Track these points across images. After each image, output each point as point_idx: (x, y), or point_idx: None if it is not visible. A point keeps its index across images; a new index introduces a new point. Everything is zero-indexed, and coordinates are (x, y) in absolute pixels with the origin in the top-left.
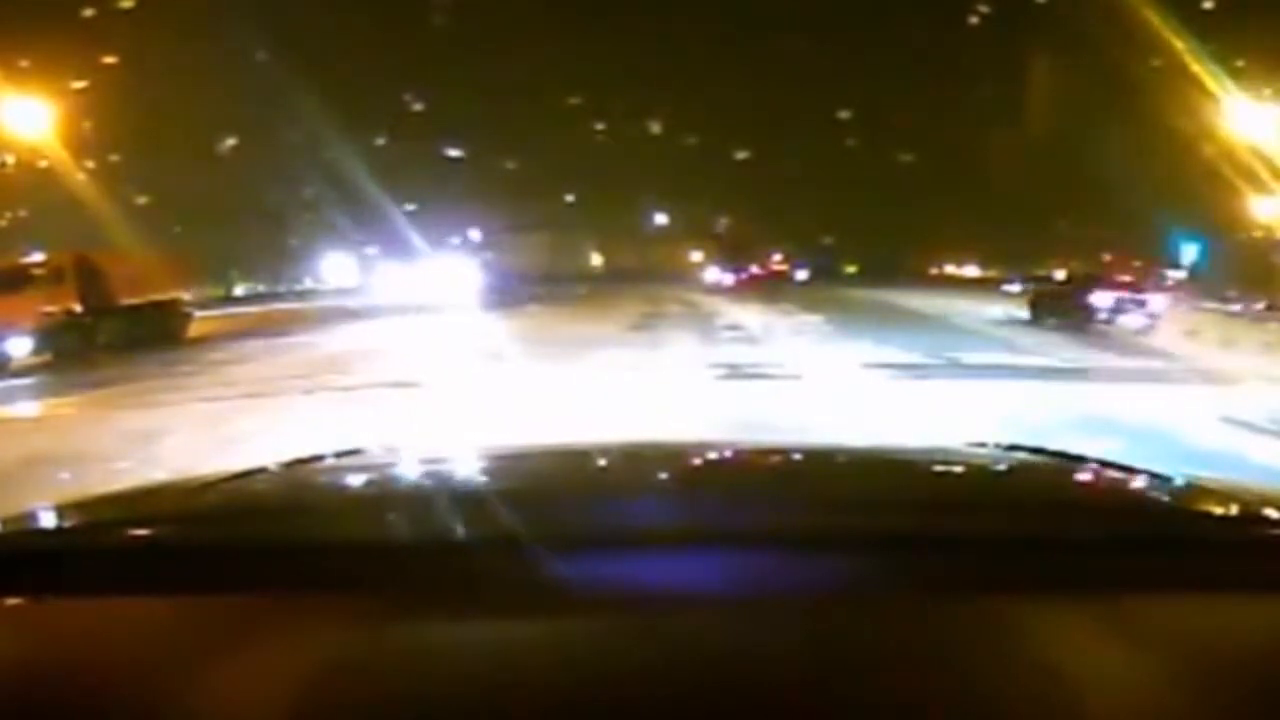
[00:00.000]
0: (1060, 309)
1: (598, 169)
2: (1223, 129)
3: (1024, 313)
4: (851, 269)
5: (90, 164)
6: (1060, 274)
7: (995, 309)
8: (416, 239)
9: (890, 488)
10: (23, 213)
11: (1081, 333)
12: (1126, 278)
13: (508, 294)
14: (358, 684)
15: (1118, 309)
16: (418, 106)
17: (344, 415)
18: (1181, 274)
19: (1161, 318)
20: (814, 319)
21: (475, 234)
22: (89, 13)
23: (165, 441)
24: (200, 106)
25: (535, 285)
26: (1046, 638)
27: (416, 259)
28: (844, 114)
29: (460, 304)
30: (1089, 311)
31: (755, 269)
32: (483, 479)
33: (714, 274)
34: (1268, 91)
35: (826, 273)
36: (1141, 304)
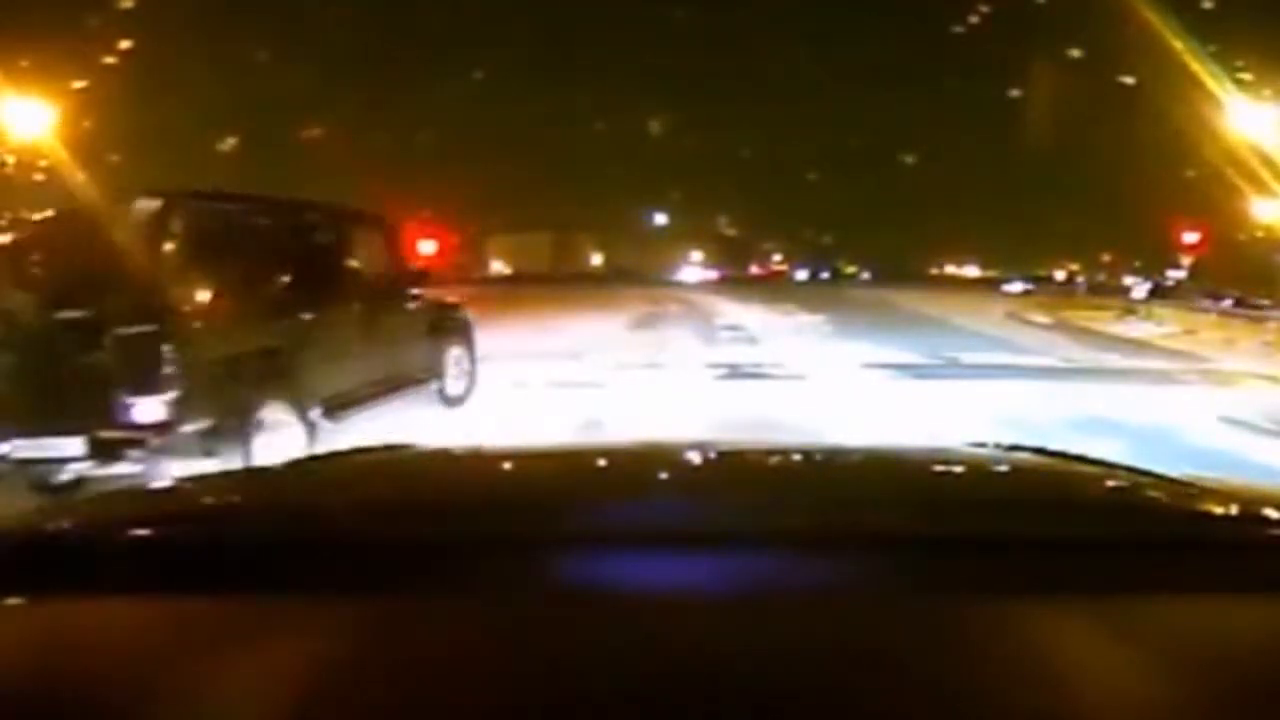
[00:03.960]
0: None
1: (598, 169)
2: (1222, 129)
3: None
4: (851, 269)
5: (89, 164)
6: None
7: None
8: None
9: (890, 488)
10: (23, 213)
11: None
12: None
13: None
14: (358, 684)
15: None
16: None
17: None
18: (1181, 274)
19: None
20: (814, 319)
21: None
22: (89, 13)
23: None
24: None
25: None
26: (1046, 638)
27: None
28: (845, 115)
29: None
30: None
31: (755, 268)
32: (484, 479)
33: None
34: (1268, 91)
35: (826, 273)
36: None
